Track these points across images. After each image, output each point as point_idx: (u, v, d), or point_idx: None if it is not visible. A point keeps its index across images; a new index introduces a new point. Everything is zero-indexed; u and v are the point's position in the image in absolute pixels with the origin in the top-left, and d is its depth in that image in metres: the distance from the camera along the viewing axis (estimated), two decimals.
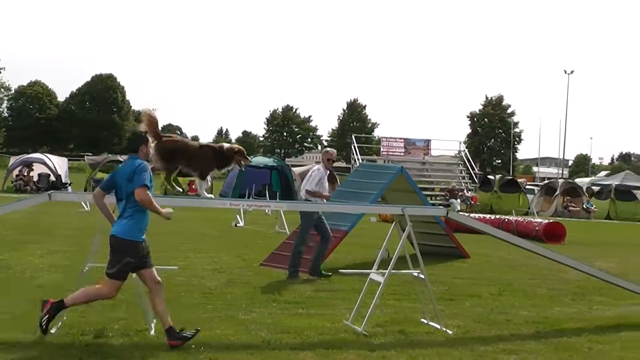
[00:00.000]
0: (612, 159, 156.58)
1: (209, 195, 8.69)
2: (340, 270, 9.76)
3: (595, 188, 45.10)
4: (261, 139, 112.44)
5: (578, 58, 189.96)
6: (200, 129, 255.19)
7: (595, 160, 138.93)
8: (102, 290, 7.02)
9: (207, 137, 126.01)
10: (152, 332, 7.32)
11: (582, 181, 53.86)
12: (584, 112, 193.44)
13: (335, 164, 14.21)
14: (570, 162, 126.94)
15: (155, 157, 8.05)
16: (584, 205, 37.85)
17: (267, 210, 21.76)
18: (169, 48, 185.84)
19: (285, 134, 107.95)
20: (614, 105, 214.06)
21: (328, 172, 12.13)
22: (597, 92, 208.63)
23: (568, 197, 38.31)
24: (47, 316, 6.98)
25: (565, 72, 74.02)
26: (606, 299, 10.66)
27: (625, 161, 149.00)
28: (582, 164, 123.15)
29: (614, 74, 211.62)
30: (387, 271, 8.07)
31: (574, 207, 37.59)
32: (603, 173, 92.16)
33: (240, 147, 8.76)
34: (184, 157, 8.34)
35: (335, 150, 13.10)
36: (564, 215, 35.34)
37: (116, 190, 7.08)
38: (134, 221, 6.92)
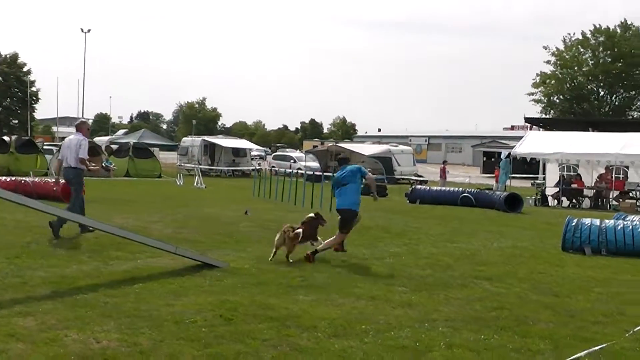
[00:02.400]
0: (132, 117, 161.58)
1: None
2: None
3: (115, 146, 46.13)
4: None
5: (94, 16, 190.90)
6: None
7: (115, 119, 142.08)
8: (337, 240, 11.85)
9: None
10: None
11: (102, 140, 54.71)
12: (103, 71, 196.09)
13: None
14: (90, 122, 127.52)
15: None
16: (104, 164, 38.37)
17: None
18: None
19: None
20: (132, 64, 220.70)
21: None
22: (116, 51, 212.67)
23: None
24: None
25: (82, 30, 73.96)
26: (123, 254, 10.98)
27: (144, 119, 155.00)
28: (103, 123, 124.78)
29: (132, 33, 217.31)
30: None
31: (94, 166, 37.78)
32: (122, 131, 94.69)
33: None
34: None
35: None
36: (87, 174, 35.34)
37: (339, 183, 11.89)
38: (356, 199, 11.79)
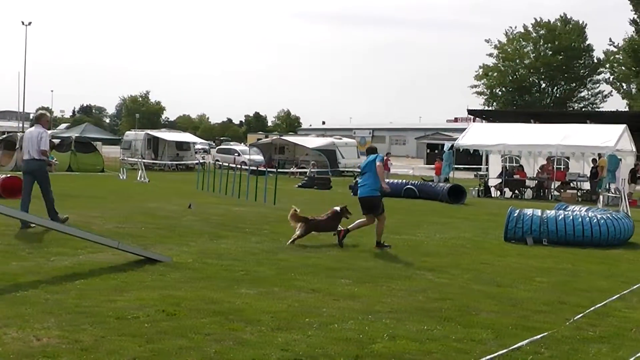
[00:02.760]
0: (74, 111, 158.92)
1: None
2: None
3: (56, 141, 45.24)
4: None
5: (36, 8, 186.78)
6: None
7: (57, 113, 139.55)
8: (383, 222, 12.65)
9: None
10: None
11: None
12: (45, 64, 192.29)
13: None
14: (31, 116, 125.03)
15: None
16: None
17: None
18: None
19: None
20: (75, 57, 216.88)
21: None
22: (57, 44, 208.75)
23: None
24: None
25: (23, 23, 72.32)
26: (64, 250, 10.76)
27: (86, 113, 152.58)
28: None
29: (74, 26, 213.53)
30: None
31: None
32: (64, 125, 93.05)
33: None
34: None
35: None
36: (15, 168, 34.65)
37: (361, 172, 13.31)
38: (374, 185, 12.52)
